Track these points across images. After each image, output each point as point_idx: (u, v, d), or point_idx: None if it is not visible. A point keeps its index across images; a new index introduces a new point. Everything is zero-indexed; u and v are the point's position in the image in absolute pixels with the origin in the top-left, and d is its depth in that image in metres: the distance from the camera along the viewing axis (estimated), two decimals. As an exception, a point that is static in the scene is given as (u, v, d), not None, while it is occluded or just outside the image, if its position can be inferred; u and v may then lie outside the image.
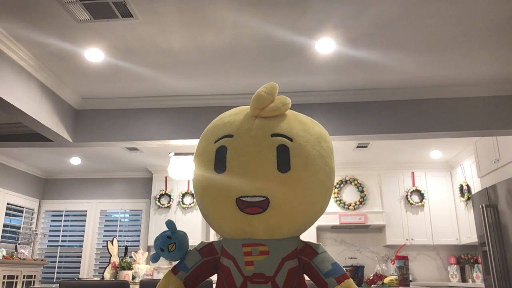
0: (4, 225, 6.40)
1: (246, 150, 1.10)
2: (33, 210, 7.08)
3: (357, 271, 6.06)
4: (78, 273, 6.87)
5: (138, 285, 3.78)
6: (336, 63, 3.76)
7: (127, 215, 7.24)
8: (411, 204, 6.47)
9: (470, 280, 6.06)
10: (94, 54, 3.58)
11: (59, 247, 7.04)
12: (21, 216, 6.81)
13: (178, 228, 1.25)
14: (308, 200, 1.12)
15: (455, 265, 6.30)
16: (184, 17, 3.09)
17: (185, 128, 4.46)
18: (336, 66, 3.83)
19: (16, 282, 5.71)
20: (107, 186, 7.24)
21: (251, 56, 3.65)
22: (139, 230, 7.01)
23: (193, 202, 6.70)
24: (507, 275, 4.21)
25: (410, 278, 6.30)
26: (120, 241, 6.43)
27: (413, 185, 6.58)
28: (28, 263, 5.93)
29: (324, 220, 6.28)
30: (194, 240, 5.48)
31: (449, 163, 6.53)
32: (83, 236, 7.02)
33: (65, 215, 7.19)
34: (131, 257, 4.54)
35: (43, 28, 3.23)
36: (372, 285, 5.12)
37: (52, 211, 7.23)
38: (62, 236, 7.11)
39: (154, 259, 1.21)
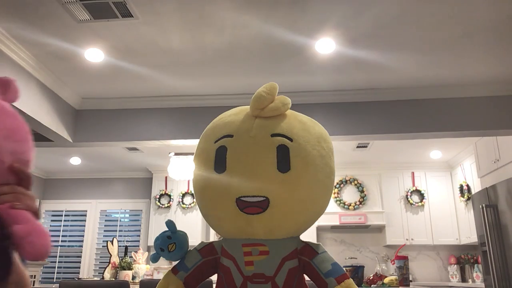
0: (4, 225, 6.39)
1: (246, 150, 1.10)
2: (33, 210, 7.07)
3: (357, 271, 6.06)
4: (78, 273, 6.87)
5: (138, 285, 3.78)
6: (336, 63, 3.76)
7: (127, 215, 7.25)
8: (411, 204, 6.47)
9: (470, 280, 6.06)
10: (94, 54, 3.58)
11: (59, 247, 7.03)
12: (21, 216, 6.80)
13: (178, 228, 1.25)
14: (308, 200, 1.12)
15: (455, 265, 6.30)
16: (184, 17, 3.09)
17: (185, 128, 4.46)
18: (336, 66, 3.83)
19: (16, 282, 5.71)
20: (107, 186, 7.24)
21: (251, 56, 3.65)
22: (139, 230, 7.01)
23: (193, 202, 6.70)
24: (507, 275, 4.21)
25: (410, 278, 6.30)
26: (120, 241, 6.43)
27: (413, 185, 6.59)
28: (28, 263, 5.92)
29: (324, 220, 6.28)
30: (194, 240, 5.46)
31: (449, 163, 6.54)
32: (83, 236, 7.02)
33: (65, 215, 7.19)
34: (131, 257, 4.54)
35: (43, 28, 3.23)
36: (372, 285, 5.12)
37: (52, 211, 7.23)
38: (62, 236, 7.11)
39: (154, 259, 1.21)
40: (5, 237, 0.72)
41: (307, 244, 1.15)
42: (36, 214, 0.79)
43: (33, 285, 6.03)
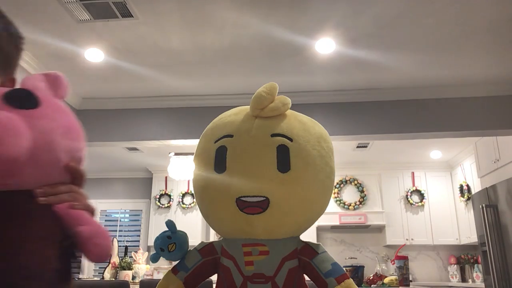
0: (4, 225, 6.38)
1: (246, 150, 1.09)
2: (33, 210, 7.07)
3: (357, 271, 6.06)
4: (78, 273, 6.87)
5: (138, 285, 3.79)
6: (336, 63, 3.76)
7: (127, 215, 7.24)
8: (411, 204, 6.48)
9: (470, 280, 6.06)
10: (94, 54, 3.58)
11: (59, 247, 7.02)
12: (21, 216, 6.80)
13: (178, 228, 1.25)
14: (308, 200, 1.12)
15: (455, 265, 6.30)
16: (184, 17, 3.09)
17: (185, 128, 4.46)
18: (336, 66, 3.83)
19: (16, 282, 5.71)
20: (107, 186, 7.23)
21: (251, 56, 3.65)
22: (139, 230, 7.01)
23: (193, 202, 6.70)
24: (507, 275, 4.21)
25: (410, 278, 6.30)
26: (120, 241, 6.43)
27: (413, 185, 6.59)
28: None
29: (324, 220, 6.28)
30: (194, 240, 5.45)
31: (449, 163, 6.54)
32: (83, 236, 7.01)
33: (65, 215, 7.17)
34: (131, 257, 4.55)
35: (43, 28, 3.23)
36: (372, 285, 5.12)
37: (52, 211, 7.22)
38: (62, 236, 7.10)
39: (154, 259, 1.21)
40: (67, 237, 0.71)
41: (307, 244, 1.15)
42: (93, 213, 0.78)
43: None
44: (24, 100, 0.72)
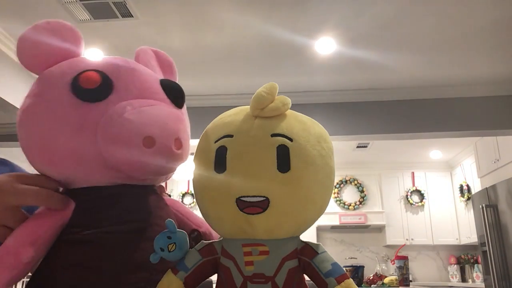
0: (4, 225, 6.38)
1: (246, 150, 1.09)
2: (33, 210, 7.07)
3: (357, 271, 6.07)
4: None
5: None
6: (336, 63, 3.76)
7: (127, 215, 7.24)
8: (411, 204, 6.48)
9: (470, 280, 6.06)
10: (94, 54, 3.58)
11: (59, 247, 7.02)
12: (21, 216, 6.80)
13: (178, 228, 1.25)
14: (308, 200, 1.12)
15: (455, 265, 6.31)
16: (184, 17, 3.09)
17: (185, 128, 4.47)
18: (336, 66, 3.83)
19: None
20: (107, 186, 7.22)
21: (251, 56, 3.65)
22: (139, 230, 7.01)
23: (193, 202, 6.69)
24: (507, 275, 4.21)
25: (410, 278, 6.31)
26: (120, 241, 6.42)
27: (413, 185, 6.59)
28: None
29: (324, 220, 6.29)
30: (194, 240, 5.45)
31: (449, 163, 6.54)
32: (83, 236, 7.01)
33: (65, 215, 7.17)
34: (131, 257, 4.54)
35: (43, 28, 3.24)
36: (372, 285, 5.13)
37: (52, 211, 7.22)
38: (62, 236, 7.10)
39: (154, 259, 1.21)
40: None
41: (307, 244, 1.15)
42: None
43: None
44: (179, 98, 0.73)
